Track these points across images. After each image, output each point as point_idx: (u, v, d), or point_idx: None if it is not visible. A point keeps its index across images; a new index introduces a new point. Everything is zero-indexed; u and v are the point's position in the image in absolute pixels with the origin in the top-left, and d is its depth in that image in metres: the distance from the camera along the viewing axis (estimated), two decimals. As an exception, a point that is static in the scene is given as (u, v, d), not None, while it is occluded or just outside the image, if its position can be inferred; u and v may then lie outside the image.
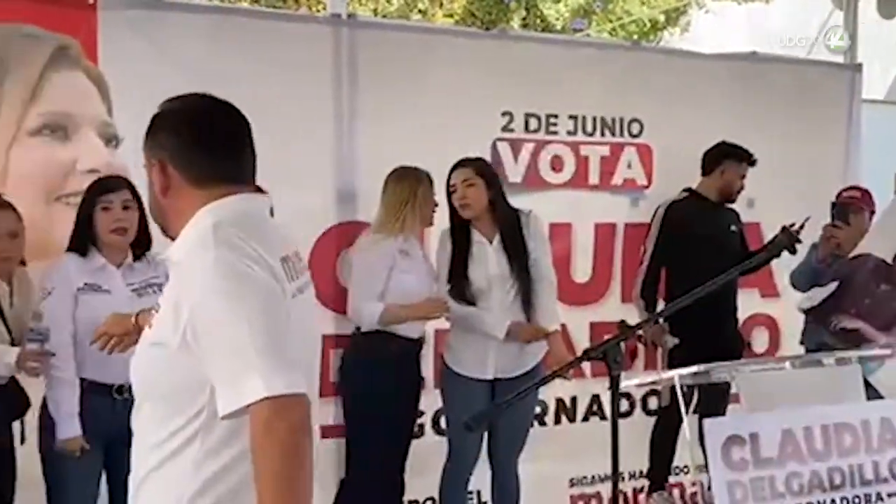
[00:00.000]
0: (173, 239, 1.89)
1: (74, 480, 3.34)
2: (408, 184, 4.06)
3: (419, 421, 4.52)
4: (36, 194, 3.84)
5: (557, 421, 5.09)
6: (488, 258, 4.09)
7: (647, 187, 5.21)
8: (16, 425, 3.49)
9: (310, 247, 4.39)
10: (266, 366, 1.67)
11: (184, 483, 1.80)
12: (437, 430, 4.61)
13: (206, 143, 1.89)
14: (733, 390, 4.67)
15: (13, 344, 3.32)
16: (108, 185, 3.48)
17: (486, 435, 4.15)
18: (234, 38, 4.31)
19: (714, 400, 4.53)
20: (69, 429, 3.35)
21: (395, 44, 4.69)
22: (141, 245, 3.53)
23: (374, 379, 3.97)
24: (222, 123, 1.93)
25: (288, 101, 4.36)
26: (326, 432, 4.45)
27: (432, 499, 4.54)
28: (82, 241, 3.47)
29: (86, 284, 3.38)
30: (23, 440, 3.46)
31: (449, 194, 4.12)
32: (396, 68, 4.60)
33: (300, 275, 1.93)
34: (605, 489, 5.12)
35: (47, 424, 3.40)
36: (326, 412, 4.46)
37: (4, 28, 3.88)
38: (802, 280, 4.95)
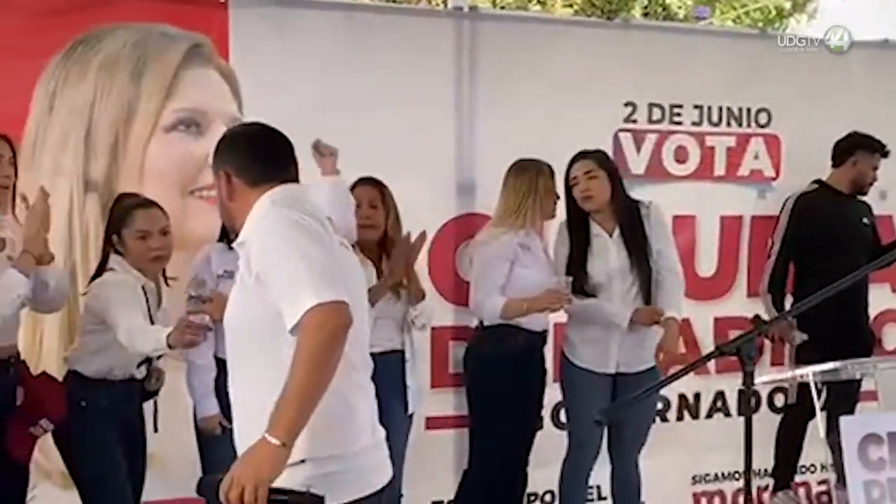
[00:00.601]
0: (236, 236, 2.33)
1: (226, 451, 3.40)
2: (528, 177, 4.05)
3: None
4: (171, 188, 3.98)
5: (680, 417, 5.01)
6: (608, 251, 4.03)
7: (774, 179, 5.09)
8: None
9: (429, 239, 4.43)
10: (316, 282, 2.06)
11: None
12: (557, 423, 4.59)
13: (259, 156, 2.34)
14: (864, 387, 4.55)
15: None
16: None
17: (606, 429, 4.11)
18: (358, 33, 4.38)
19: (844, 398, 4.40)
20: (205, 408, 3.49)
21: (515, 35, 4.69)
22: None
23: (499, 372, 3.98)
24: (271, 142, 2.39)
25: (410, 93, 4.42)
26: (444, 423, 4.51)
27: (551, 492, 4.53)
28: (228, 231, 3.55)
29: (225, 272, 3.46)
30: (156, 428, 3.56)
31: (568, 187, 4.08)
32: (517, 60, 4.60)
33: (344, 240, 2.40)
34: (728, 487, 5.04)
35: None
36: (445, 402, 4.51)
37: (141, 28, 4.02)
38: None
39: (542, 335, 4.11)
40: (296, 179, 2.38)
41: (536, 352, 4.10)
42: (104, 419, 3.30)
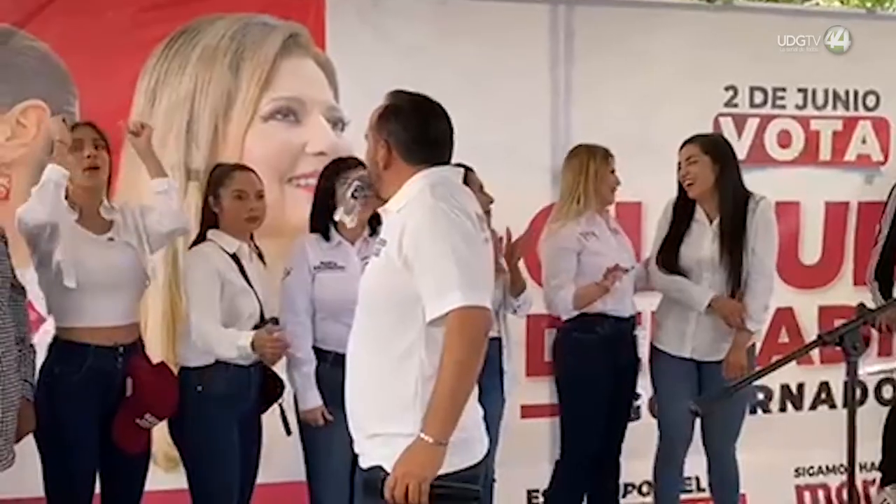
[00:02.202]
0: (381, 197, 2.46)
1: (328, 439, 3.40)
2: (577, 162, 4.00)
3: (636, 403, 4.44)
4: (270, 176, 3.99)
5: (783, 408, 4.90)
6: (703, 239, 3.93)
7: (883, 163, 4.93)
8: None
9: (524, 226, 4.39)
10: (464, 283, 2.20)
11: (411, 382, 2.28)
12: (654, 413, 4.50)
13: (424, 136, 2.42)
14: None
15: (261, 312, 3.39)
16: (347, 163, 3.54)
17: (698, 421, 4.00)
18: (453, 22, 4.37)
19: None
20: (307, 400, 3.46)
21: (613, 20, 4.62)
22: (378, 221, 3.58)
23: (587, 360, 3.93)
24: (437, 122, 2.45)
25: (505, 81, 4.39)
26: (540, 411, 4.48)
27: (648, 482, 4.45)
28: (321, 221, 3.55)
29: (322, 263, 3.46)
30: (288, 431, 3.50)
31: (678, 170, 3.97)
32: (614, 45, 4.53)
33: (485, 231, 2.46)
34: (833, 480, 4.91)
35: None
36: (540, 390, 4.46)
37: (239, 18, 4.08)
38: None
39: (629, 321, 4.03)
40: (450, 160, 2.47)
41: (624, 338, 4.03)
42: (220, 406, 3.29)
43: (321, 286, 3.45)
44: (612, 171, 4.02)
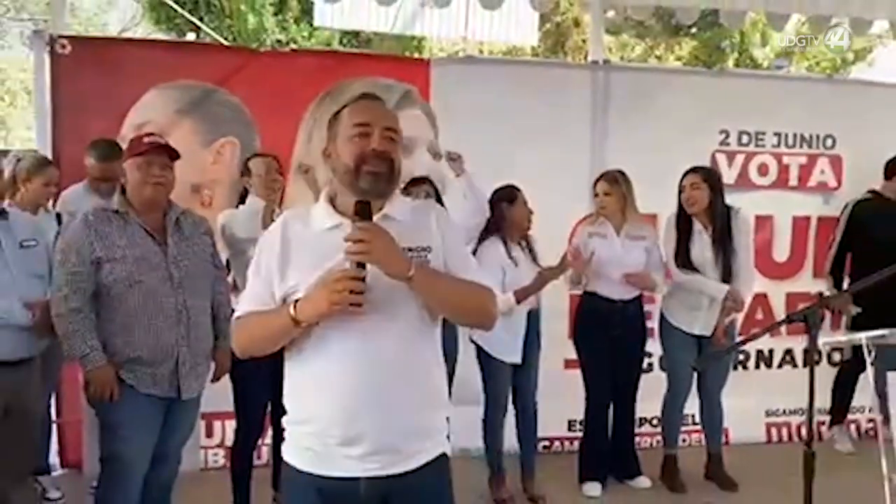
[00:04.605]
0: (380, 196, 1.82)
1: None
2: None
3: (649, 361, 4.39)
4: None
5: (757, 367, 4.79)
6: (704, 244, 3.87)
7: (837, 188, 4.78)
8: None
9: (567, 231, 4.32)
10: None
11: (443, 375, 1.83)
12: (662, 367, 4.43)
13: None
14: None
15: None
16: (417, 180, 3.62)
17: (695, 373, 3.95)
18: (516, 83, 4.38)
19: (892, 358, 4.07)
20: None
21: (639, 81, 4.58)
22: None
23: (584, 327, 3.88)
24: None
25: (557, 127, 4.37)
26: (577, 364, 4.35)
27: (658, 418, 4.40)
28: None
29: None
30: None
31: (680, 192, 3.92)
32: (640, 99, 4.48)
33: None
34: (794, 420, 4.77)
35: None
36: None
37: (371, 80, 4.12)
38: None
39: (616, 303, 3.83)
40: None
41: (614, 315, 3.82)
42: None
43: None
44: (596, 195, 3.88)
